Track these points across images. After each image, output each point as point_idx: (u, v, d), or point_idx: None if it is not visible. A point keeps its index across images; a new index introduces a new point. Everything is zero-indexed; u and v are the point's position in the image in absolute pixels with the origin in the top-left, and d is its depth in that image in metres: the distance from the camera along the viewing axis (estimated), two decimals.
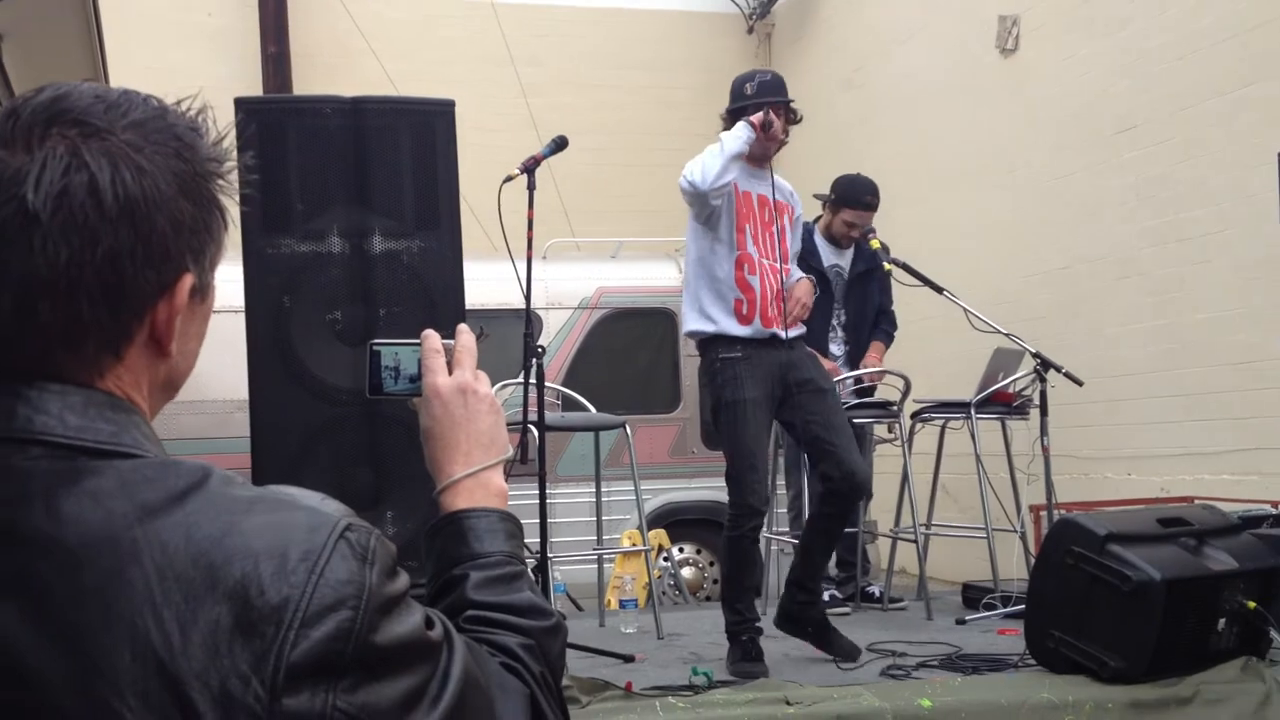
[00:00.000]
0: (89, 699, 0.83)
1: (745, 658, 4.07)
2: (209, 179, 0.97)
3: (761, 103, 4.29)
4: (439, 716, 0.90)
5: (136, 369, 0.96)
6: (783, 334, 4.21)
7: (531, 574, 3.83)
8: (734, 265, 4.21)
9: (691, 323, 4.32)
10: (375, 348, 1.31)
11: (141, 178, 0.92)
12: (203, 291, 1.00)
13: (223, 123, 1.01)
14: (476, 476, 1.21)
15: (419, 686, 0.90)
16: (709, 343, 4.25)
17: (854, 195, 5.68)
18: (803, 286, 4.35)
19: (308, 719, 0.84)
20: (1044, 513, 5.46)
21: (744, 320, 4.20)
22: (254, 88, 10.39)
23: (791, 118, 4.38)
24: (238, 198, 1.00)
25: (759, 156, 4.32)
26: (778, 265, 4.27)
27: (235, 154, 1.00)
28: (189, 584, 0.85)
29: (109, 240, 0.90)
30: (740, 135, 4.18)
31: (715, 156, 4.12)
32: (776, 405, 4.24)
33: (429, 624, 0.94)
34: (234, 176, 0.99)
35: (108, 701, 0.83)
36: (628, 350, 7.86)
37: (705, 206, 4.18)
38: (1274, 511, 4.90)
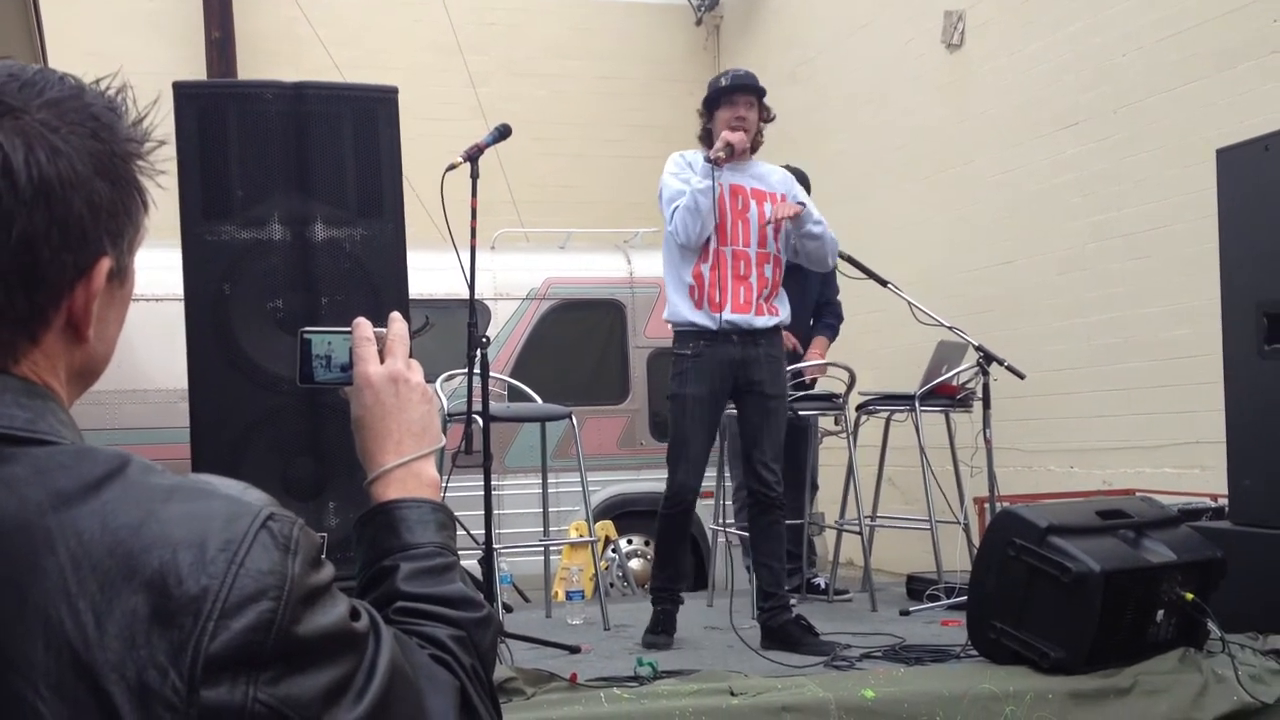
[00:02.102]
0: (1, 690, 0.81)
1: (651, 629, 4.42)
2: (128, 160, 0.94)
3: (730, 91, 4.51)
4: (365, 709, 0.89)
5: (53, 354, 0.94)
6: (734, 318, 4.38)
7: (479, 564, 3.76)
8: (695, 254, 4.46)
9: (664, 311, 4.67)
10: (306, 335, 1.29)
11: (57, 158, 0.89)
12: (121, 275, 0.97)
13: (159, 107, 0.99)
14: (408, 466, 1.20)
15: (344, 678, 0.88)
16: (675, 337, 4.54)
17: None
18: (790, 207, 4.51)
19: (227, 711, 0.82)
20: (987, 505, 5.51)
21: (697, 305, 4.44)
22: (198, 73, 10.24)
23: (765, 114, 4.60)
24: (159, 179, 0.97)
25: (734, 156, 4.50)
26: (745, 250, 4.47)
27: (158, 135, 0.97)
28: (105, 573, 0.83)
29: (23, 223, 0.88)
30: (705, 185, 4.35)
31: (693, 215, 4.36)
32: (728, 399, 4.52)
33: (354, 615, 0.92)
34: (155, 157, 0.96)
35: (21, 693, 0.81)
36: (576, 341, 7.84)
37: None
38: (1213, 505, 4.97)
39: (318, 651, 0.87)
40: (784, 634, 4.30)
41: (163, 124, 0.97)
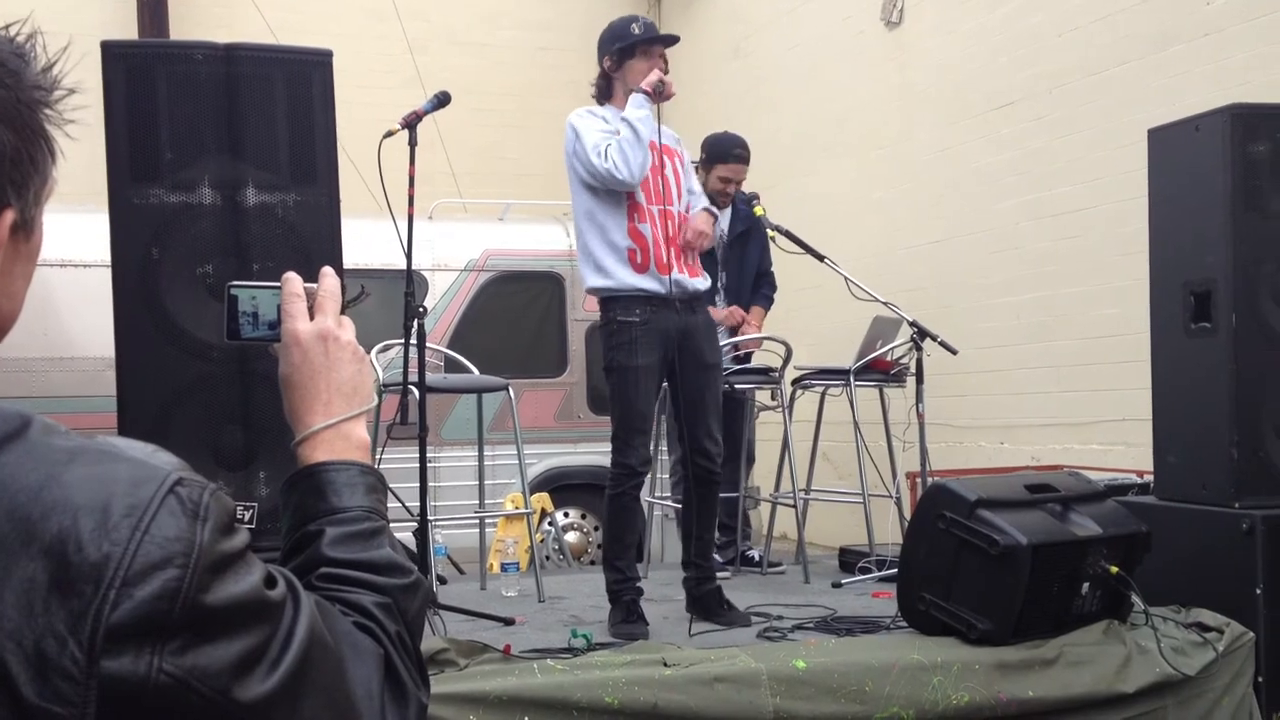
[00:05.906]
0: None
1: (626, 619, 4.10)
2: (34, 108, 0.90)
3: (648, 41, 4.28)
4: (279, 679, 0.86)
5: None
6: (681, 279, 4.20)
7: (414, 536, 3.69)
8: (624, 215, 4.21)
9: (590, 279, 4.29)
10: (233, 291, 1.27)
11: None
12: (27, 228, 0.93)
13: (70, 56, 0.95)
14: (337, 428, 1.18)
15: (256, 648, 0.86)
16: (609, 301, 4.22)
17: (724, 150, 5.77)
18: (701, 216, 4.35)
19: (130, 682, 0.80)
20: (919, 479, 5.56)
21: (639, 269, 4.18)
22: (129, 35, 10.00)
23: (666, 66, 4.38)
24: (68, 129, 0.93)
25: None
26: (670, 209, 4.25)
27: (72, 85, 0.93)
28: (2, 539, 0.80)
29: None
30: (644, 113, 4.16)
31: (633, 146, 4.11)
32: (669, 370, 4.26)
33: (270, 583, 0.89)
34: (64, 106, 0.92)
35: None
36: (514, 313, 7.81)
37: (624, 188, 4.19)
38: (1139, 480, 5.06)
39: (227, 621, 0.84)
40: (704, 603, 4.27)
41: (74, 73, 0.94)
